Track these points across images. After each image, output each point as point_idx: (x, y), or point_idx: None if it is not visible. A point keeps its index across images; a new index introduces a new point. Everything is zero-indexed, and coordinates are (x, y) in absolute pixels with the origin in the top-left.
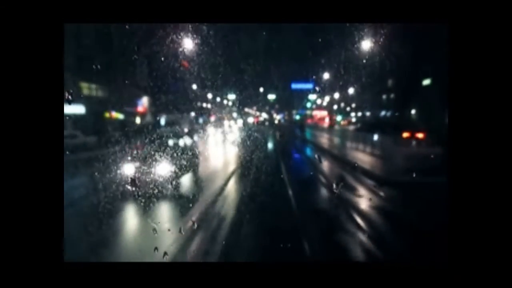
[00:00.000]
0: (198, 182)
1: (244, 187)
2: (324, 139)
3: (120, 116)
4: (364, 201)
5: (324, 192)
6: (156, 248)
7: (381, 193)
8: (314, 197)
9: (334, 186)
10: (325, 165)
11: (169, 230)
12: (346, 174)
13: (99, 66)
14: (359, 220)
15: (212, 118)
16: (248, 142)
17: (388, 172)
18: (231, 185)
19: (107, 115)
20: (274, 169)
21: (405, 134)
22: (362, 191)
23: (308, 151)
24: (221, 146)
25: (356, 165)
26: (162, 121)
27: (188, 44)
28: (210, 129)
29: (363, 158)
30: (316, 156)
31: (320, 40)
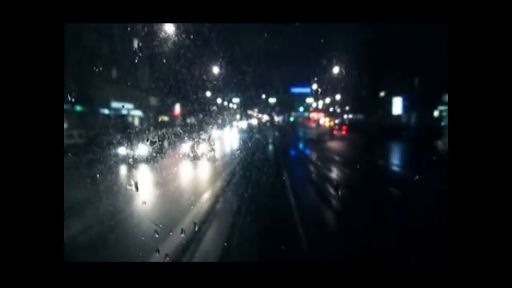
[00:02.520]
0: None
1: (260, 143)
2: (302, 132)
3: (166, 118)
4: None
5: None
6: (157, 250)
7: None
8: (285, 138)
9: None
10: (293, 138)
11: None
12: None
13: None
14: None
15: (220, 120)
16: (257, 135)
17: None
18: (259, 141)
19: (159, 117)
20: (272, 139)
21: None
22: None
23: (289, 135)
24: (238, 134)
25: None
26: (188, 121)
27: (208, 61)
28: (226, 126)
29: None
30: (291, 136)
31: (317, 47)
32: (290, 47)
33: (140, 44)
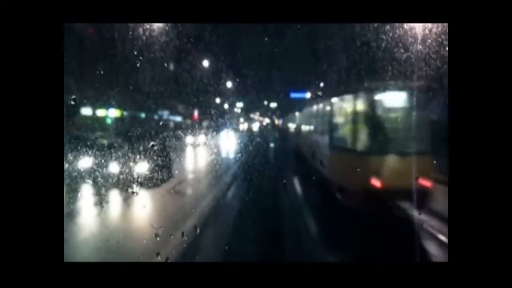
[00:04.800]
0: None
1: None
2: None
3: (188, 121)
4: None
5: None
6: (158, 253)
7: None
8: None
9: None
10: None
11: None
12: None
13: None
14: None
15: (227, 122)
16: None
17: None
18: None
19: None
20: (273, 135)
21: None
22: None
23: (287, 134)
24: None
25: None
26: (204, 124)
27: (220, 74)
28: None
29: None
30: (284, 133)
31: (313, 53)
32: (291, 52)
33: (171, 66)
